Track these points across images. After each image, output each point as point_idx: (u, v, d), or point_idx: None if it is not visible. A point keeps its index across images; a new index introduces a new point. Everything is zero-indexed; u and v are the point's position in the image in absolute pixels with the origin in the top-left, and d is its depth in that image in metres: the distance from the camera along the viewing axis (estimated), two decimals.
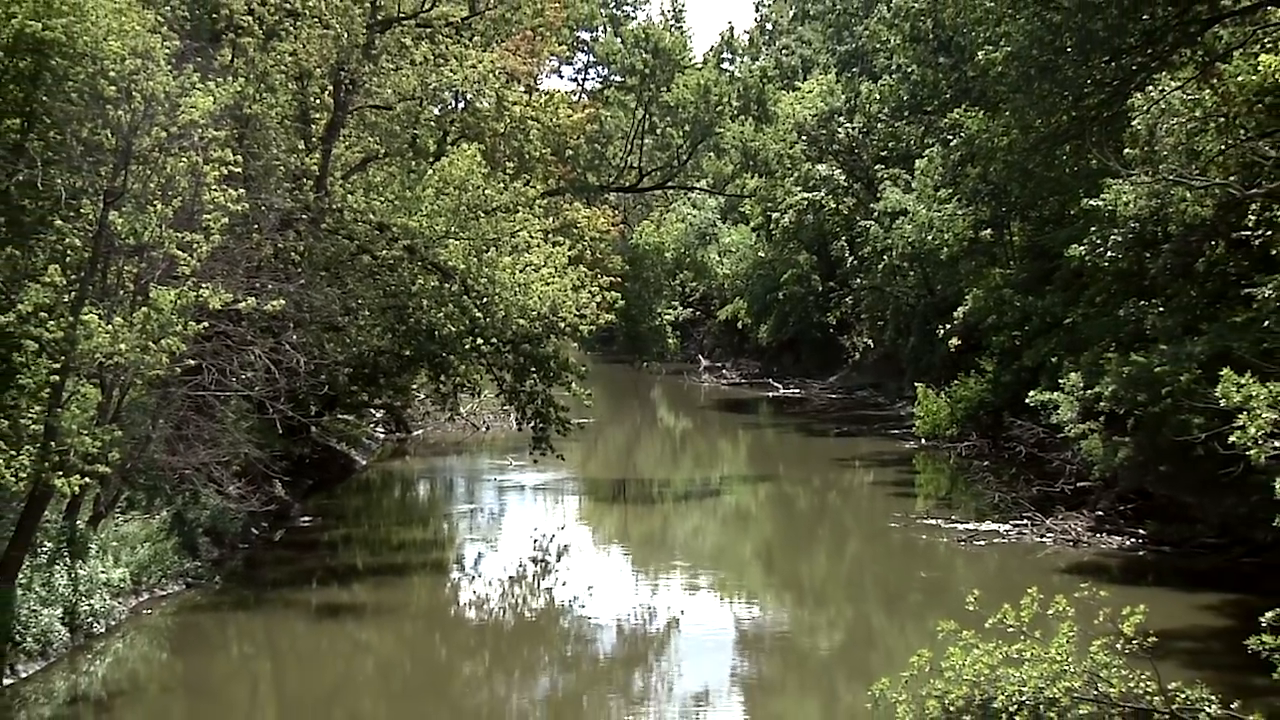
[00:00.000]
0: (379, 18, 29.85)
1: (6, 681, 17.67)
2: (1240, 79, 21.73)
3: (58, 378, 17.44)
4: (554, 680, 21.03)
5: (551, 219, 37.88)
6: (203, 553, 24.72)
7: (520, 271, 29.10)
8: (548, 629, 23.95)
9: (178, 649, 20.63)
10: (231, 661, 21.07)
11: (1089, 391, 26.23)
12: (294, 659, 21.69)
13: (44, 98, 19.52)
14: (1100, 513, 28.33)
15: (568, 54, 71.40)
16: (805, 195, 58.92)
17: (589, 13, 78.76)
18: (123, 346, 17.21)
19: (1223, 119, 22.68)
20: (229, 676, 20.27)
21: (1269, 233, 22.10)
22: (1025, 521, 28.65)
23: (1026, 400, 30.09)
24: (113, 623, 20.51)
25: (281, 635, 22.40)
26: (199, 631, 21.46)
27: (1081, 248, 29.37)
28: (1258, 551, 23.92)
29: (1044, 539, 27.65)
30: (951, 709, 12.01)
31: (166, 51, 19.59)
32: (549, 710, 19.29)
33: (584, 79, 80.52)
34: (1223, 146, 22.92)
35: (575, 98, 62.46)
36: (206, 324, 19.87)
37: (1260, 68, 21.26)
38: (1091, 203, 28.94)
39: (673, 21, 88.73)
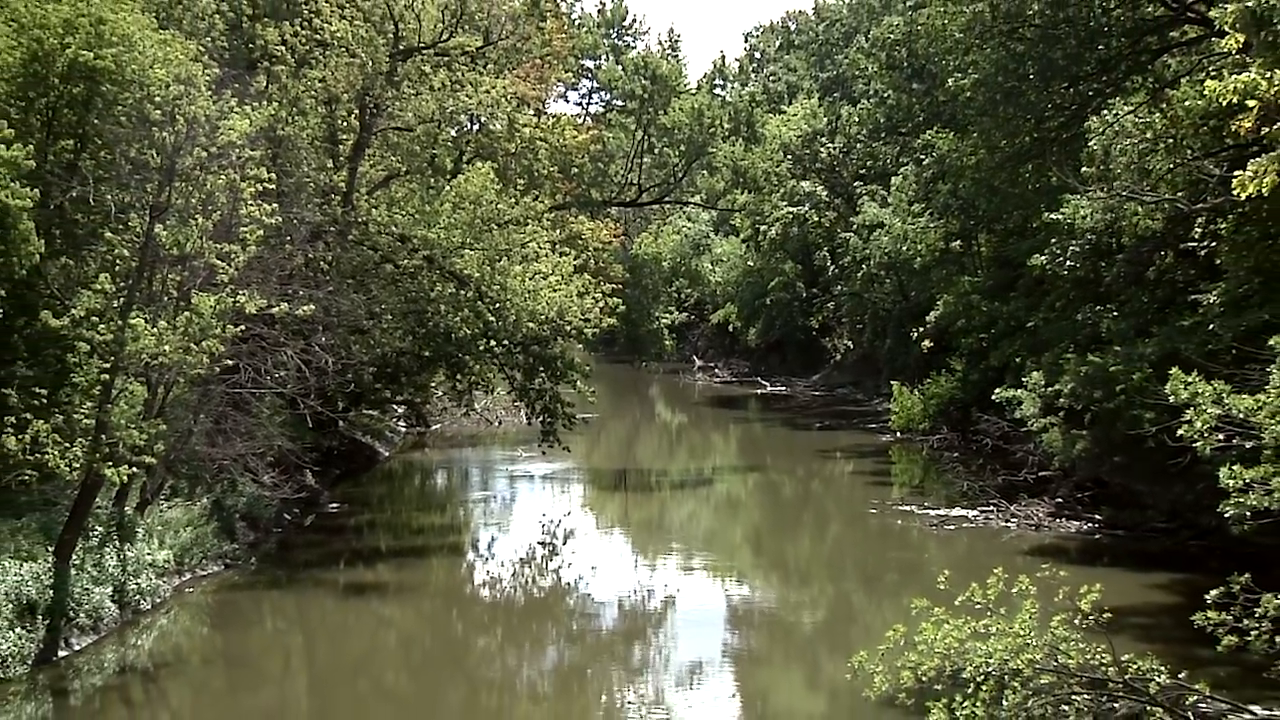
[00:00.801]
0: (401, 47, 29.90)
1: (61, 653, 17.73)
2: (1188, 104, 21.73)
3: (108, 376, 17.50)
4: (561, 653, 21.08)
5: (558, 231, 37.88)
6: (240, 536, 24.76)
7: (530, 279, 29.15)
8: (555, 606, 23.97)
9: (217, 624, 20.66)
10: (266, 636, 21.11)
11: (1050, 389, 26.23)
12: (323, 633, 21.70)
13: (95, 121, 19.67)
14: (1060, 500, 28.34)
15: (573, 80, 71.59)
16: (790, 209, 58.97)
17: (593, 43, 78.89)
18: (167, 348, 17.26)
19: (1171, 140, 22.67)
20: (264, 649, 20.31)
21: (1213, 244, 22.14)
22: (991, 508, 28.65)
23: (993, 397, 30.03)
24: (158, 600, 20.54)
25: (312, 612, 22.42)
26: (237, 608, 21.48)
27: (1043, 257, 29.40)
28: (1204, 535, 23.91)
29: (1008, 524, 27.66)
30: (924, 679, 12.05)
31: (207, 78, 19.65)
32: (556, 680, 19.29)
33: (588, 103, 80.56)
34: (1171, 165, 22.93)
35: (580, 120, 62.47)
36: (243, 327, 19.88)
37: (1206, 93, 21.17)
38: (1052, 216, 28.95)
39: (669, 51, 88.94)
